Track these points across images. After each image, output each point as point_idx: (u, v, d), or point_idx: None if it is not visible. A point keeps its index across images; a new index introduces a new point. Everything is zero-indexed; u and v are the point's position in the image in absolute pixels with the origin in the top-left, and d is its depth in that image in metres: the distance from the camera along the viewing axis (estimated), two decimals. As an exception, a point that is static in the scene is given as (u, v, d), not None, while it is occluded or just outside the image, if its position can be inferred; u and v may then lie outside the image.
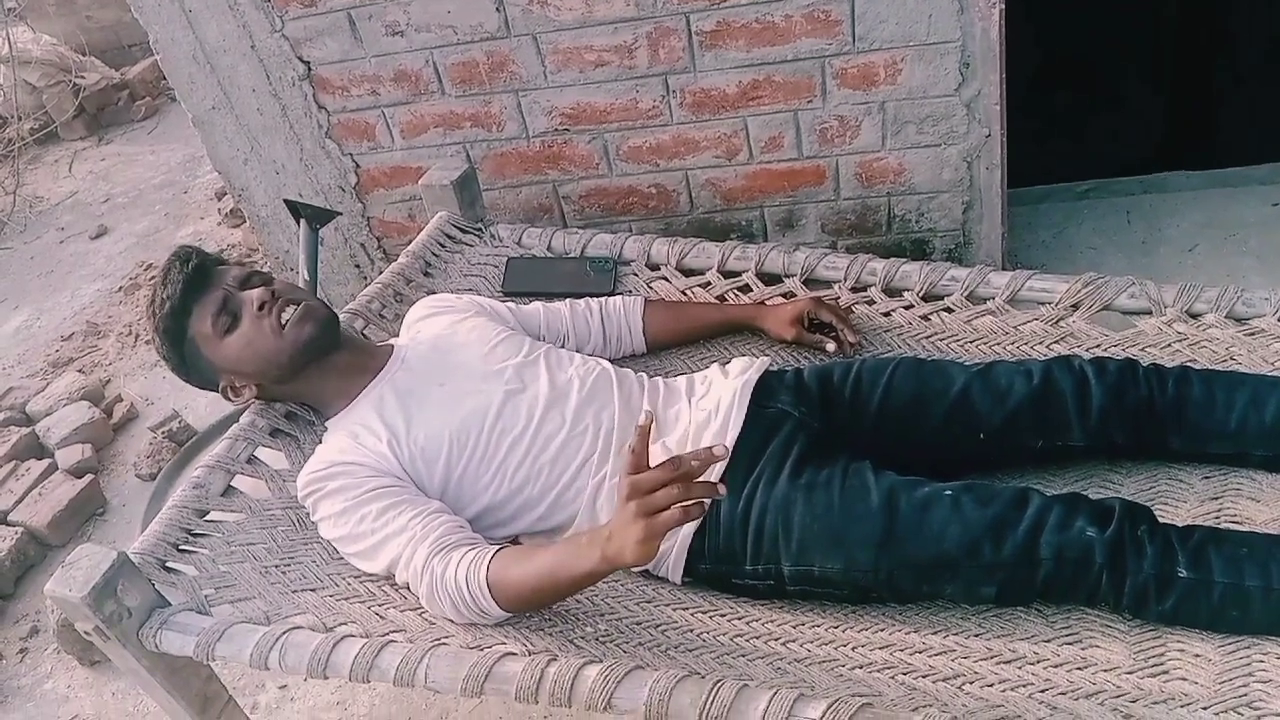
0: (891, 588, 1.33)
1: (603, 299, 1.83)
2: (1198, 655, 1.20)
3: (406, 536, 1.34)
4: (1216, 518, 1.38)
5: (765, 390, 1.52)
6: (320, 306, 1.55)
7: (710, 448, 1.08)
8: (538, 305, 1.80)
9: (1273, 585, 1.19)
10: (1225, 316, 1.60)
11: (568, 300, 1.82)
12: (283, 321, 1.49)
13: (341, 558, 1.46)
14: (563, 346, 1.74)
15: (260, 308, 1.49)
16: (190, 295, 1.49)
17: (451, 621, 1.35)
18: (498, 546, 1.32)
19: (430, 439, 1.45)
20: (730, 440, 1.44)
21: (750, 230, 2.36)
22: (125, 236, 3.84)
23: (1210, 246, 2.37)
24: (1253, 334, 1.57)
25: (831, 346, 1.71)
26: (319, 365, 1.54)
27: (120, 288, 3.46)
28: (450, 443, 1.45)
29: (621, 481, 1.12)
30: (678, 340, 1.83)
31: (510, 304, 1.80)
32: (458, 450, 1.45)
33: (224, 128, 2.43)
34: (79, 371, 3.03)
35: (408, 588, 1.39)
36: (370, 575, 1.44)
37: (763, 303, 1.84)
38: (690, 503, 1.09)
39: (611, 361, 1.67)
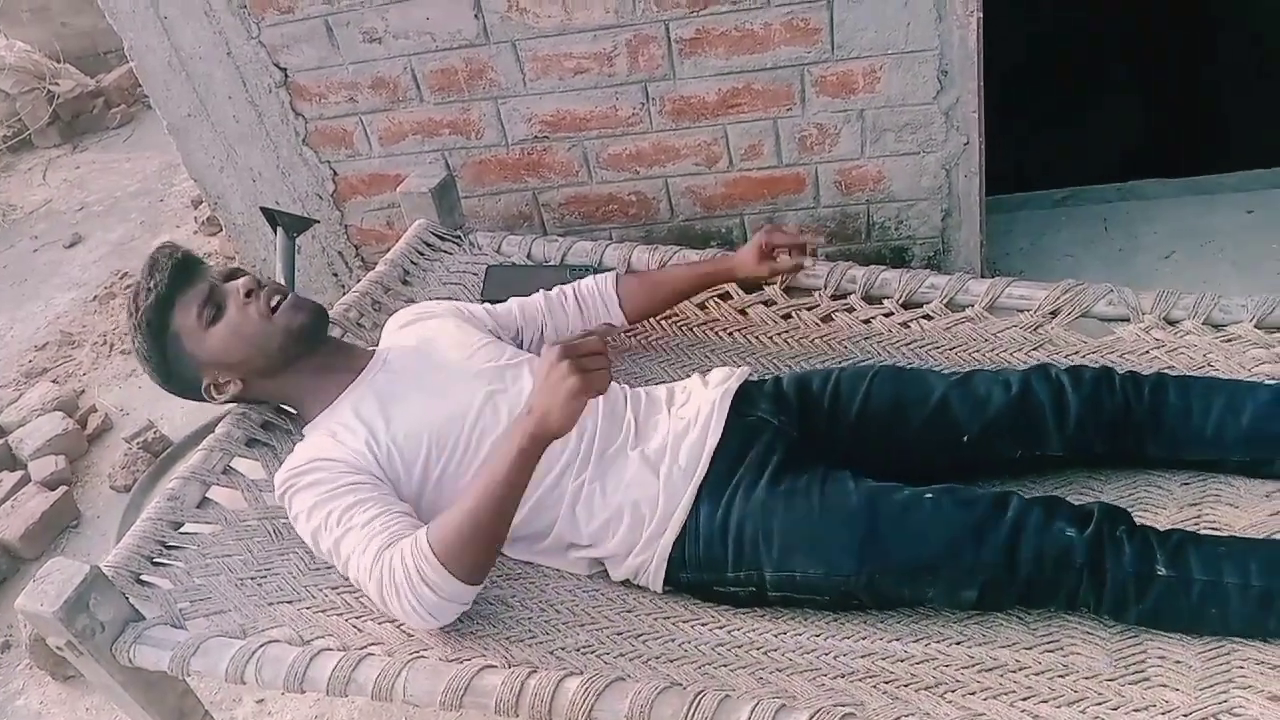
0: (873, 592, 1.32)
1: (576, 282, 1.83)
2: (1178, 662, 1.21)
3: (365, 533, 1.32)
4: (1196, 523, 1.38)
5: (745, 399, 1.52)
6: (305, 299, 1.55)
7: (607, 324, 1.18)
8: (513, 301, 1.79)
9: (1250, 583, 1.20)
10: (1202, 323, 1.61)
11: (540, 290, 1.81)
12: (272, 306, 1.48)
13: (318, 569, 1.45)
14: (542, 335, 1.74)
15: (247, 295, 1.48)
16: (175, 287, 1.48)
17: (416, 632, 1.34)
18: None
19: (409, 439, 1.44)
20: (709, 449, 1.44)
21: (730, 238, 2.36)
22: (100, 245, 3.81)
23: (1187, 253, 2.39)
24: (1229, 340, 1.58)
25: (809, 262, 1.75)
26: (304, 361, 1.53)
27: (95, 297, 3.42)
28: (429, 443, 1.44)
29: (552, 348, 1.21)
30: (656, 307, 1.83)
31: (486, 305, 1.79)
32: (436, 451, 1.44)
33: (200, 135, 2.42)
34: (53, 382, 2.99)
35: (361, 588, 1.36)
36: (348, 586, 1.43)
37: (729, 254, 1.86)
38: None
39: None
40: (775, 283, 1.84)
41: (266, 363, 1.51)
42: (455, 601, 1.30)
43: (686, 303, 1.89)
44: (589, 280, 1.82)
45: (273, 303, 1.49)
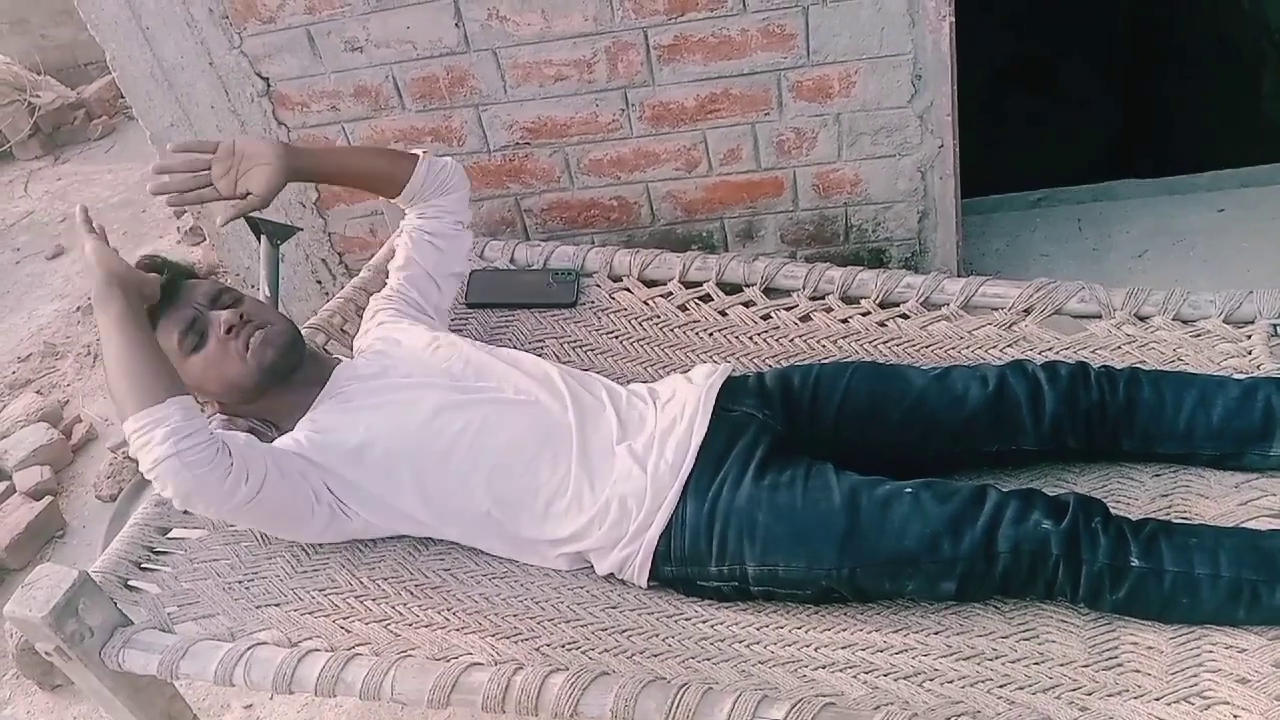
0: (854, 586, 1.35)
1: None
2: (1150, 647, 1.23)
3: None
4: (1167, 513, 1.41)
5: (729, 394, 1.54)
6: (285, 331, 1.55)
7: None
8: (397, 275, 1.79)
9: (1220, 573, 1.23)
10: (1172, 319, 1.64)
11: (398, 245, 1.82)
12: (249, 348, 1.49)
13: (305, 571, 1.47)
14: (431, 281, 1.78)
15: (228, 331, 1.49)
16: (157, 310, 1.49)
17: (403, 632, 1.37)
18: None
19: (374, 440, 1.46)
20: (696, 443, 1.46)
21: (711, 241, 2.38)
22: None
23: (1159, 252, 2.42)
24: (1199, 335, 1.61)
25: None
26: (282, 385, 1.54)
27: (78, 308, 3.42)
28: (389, 443, 1.46)
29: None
30: (361, 183, 1.82)
31: (404, 290, 1.77)
32: (404, 451, 1.46)
33: (183, 145, 2.42)
34: (37, 393, 2.99)
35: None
36: (335, 588, 1.45)
37: None
38: None
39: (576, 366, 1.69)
40: None
41: (243, 395, 1.54)
42: (169, 423, 1.28)
43: (666, 304, 1.91)
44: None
45: (252, 341, 1.49)
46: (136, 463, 1.31)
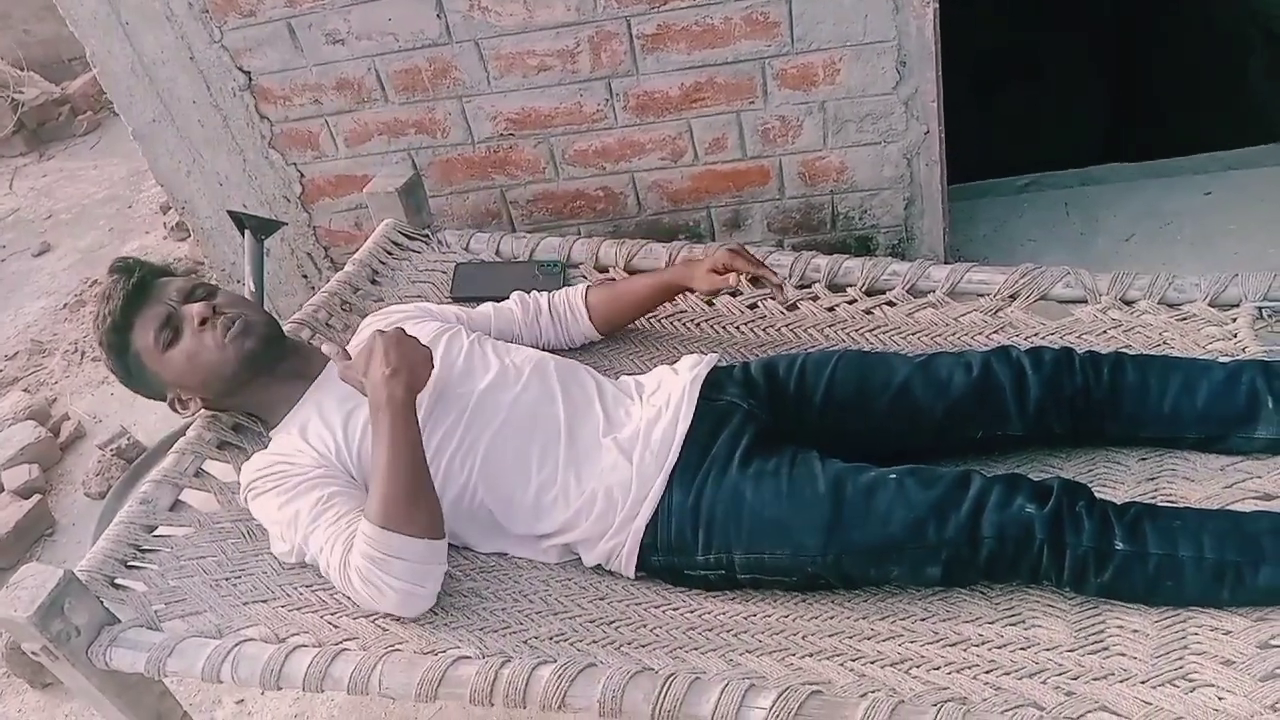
0: (839, 572, 1.35)
1: (550, 292, 1.83)
2: (1136, 631, 1.24)
3: (331, 533, 1.36)
4: (1153, 497, 1.41)
5: (714, 384, 1.54)
6: (261, 320, 1.55)
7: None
8: (488, 306, 1.81)
9: (1204, 555, 1.23)
10: (1158, 303, 1.64)
11: (516, 295, 1.82)
12: (225, 336, 1.49)
13: (292, 567, 1.46)
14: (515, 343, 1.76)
15: (201, 323, 1.49)
16: (131, 310, 1.49)
17: (391, 626, 1.37)
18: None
19: (367, 437, 1.45)
20: (680, 434, 1.46)
21: (698, 231, 2.38)
22: (69, 253, 3.79)
23: (1146, 236, 2.43)
24: (1184, 319, 1.61)
25: (779, 294, 1.68)
26: (263, 375, 1.54)
27: (65, 305, 3.41)
28: None
29: (389, 331, 1.41)
30: (623, 316, 1.81)
31: (461, 309, 1.79)
32: None
33: (165, 140, 2.41)
34: (24, 390, 2.98)
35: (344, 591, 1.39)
36: (322, 584, 1.44)
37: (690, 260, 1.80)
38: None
39: (564, 356, 1.68)
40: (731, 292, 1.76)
41: (224, 386, 1.54)
42: (428, 561, 1.33)
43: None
44: (562, 291, 1.83)
45: (228, 331, 1.49)
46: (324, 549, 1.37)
